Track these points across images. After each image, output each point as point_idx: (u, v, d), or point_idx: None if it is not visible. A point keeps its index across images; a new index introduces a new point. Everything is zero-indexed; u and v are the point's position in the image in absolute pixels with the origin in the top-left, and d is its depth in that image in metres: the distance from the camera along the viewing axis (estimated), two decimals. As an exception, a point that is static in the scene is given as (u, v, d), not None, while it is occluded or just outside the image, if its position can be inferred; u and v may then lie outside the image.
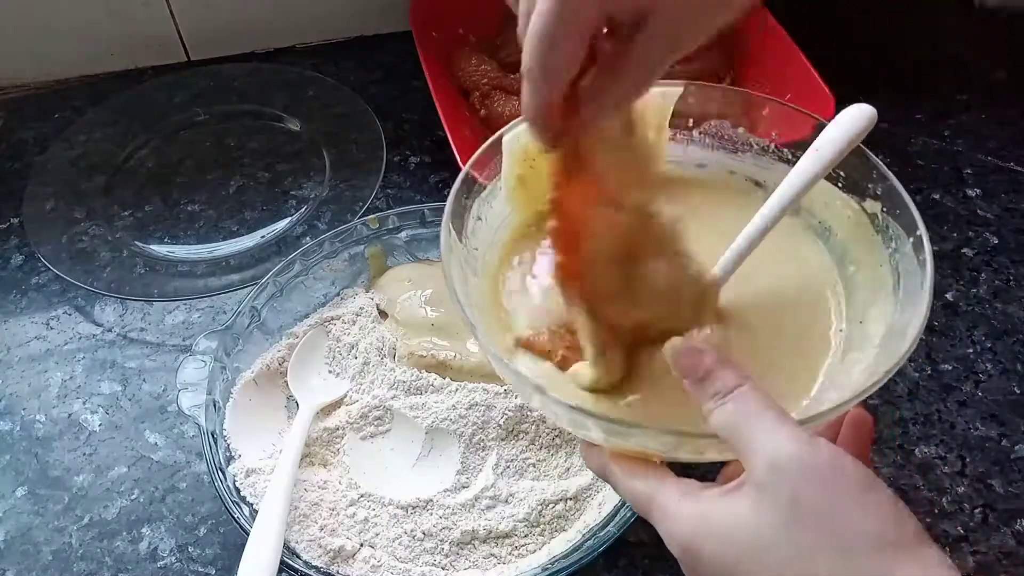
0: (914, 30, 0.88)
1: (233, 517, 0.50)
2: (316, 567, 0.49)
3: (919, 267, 0.40)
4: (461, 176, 0.44)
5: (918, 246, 0.41)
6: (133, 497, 0.56)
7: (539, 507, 0.52)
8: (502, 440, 0.55)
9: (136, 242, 0.71)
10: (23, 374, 0.63)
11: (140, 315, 0.66)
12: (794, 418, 0.34)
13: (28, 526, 0.55)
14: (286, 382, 0.58)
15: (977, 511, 0.54)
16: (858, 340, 0.42)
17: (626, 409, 0.40)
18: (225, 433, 0.54)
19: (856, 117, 0.42)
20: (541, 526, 0.52)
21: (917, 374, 0.61)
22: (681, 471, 0.37)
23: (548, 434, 0.55)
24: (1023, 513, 0.54)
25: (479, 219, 0.46)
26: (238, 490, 0.52)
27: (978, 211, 0.71)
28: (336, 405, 0.58)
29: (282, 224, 0.72)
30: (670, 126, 0.48)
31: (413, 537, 0.51)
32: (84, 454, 0.58)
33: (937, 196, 0.72)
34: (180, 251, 0.71)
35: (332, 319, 0.61)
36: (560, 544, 0.51)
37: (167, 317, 0.66)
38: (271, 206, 0.74)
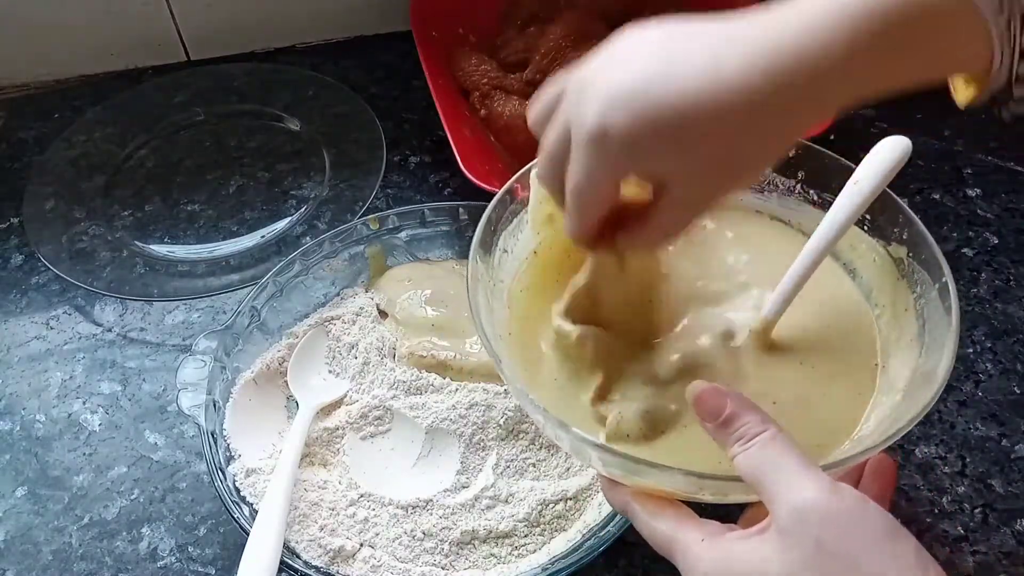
0: (914, 30, 0.88)
1: (233, 517, 0.50)
2: (316, 567, 0.49)
3: (944, 313, 0.40)
4: (490, 207, 0.45)
5: (944, 293, 0.41)
6: (133, 497, 0.56)
7: (539, 507, 0.52)
8: (502, 440, 0.55)
9: (136, 242, 0.71)
10: (23, 374, 0.63)
11: (140, 315, 0.66)
12: (817, 464, 0.34)
13: (28, 526, 0.55)
14: (286, 382, 0.58)
15: (977, 511, 0.54)
16: (882, 384, 0.42)
17: (649, 448, 0.41)
18: (225, 433, 0.54)
19: (893, 148, 0.42)
20: (541, 526, 0.52)
21: (917, 374, 0.61)
22: (700, 511, 0.38)
23: None
24: (1023, 513, 0.54)
25: (505, 251, 0.46)
26: (238, 490, 0.52)
27: (978, 211, 0.71)
28: (336, 405, 0.58)
29: (282, 224, 0.72)
30: None
31: (413, 537, 0.51)
32: (84, 454, 0.58)
33: (937, 196, 0.72)
34: (180, 251, 0.71)
35: (332, 319, 0.61)
36: (560, 544, 0.51)
37: (167, 317, 0.66)
38: (271, 206, 0.74)
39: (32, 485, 0.57)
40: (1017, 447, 0.57)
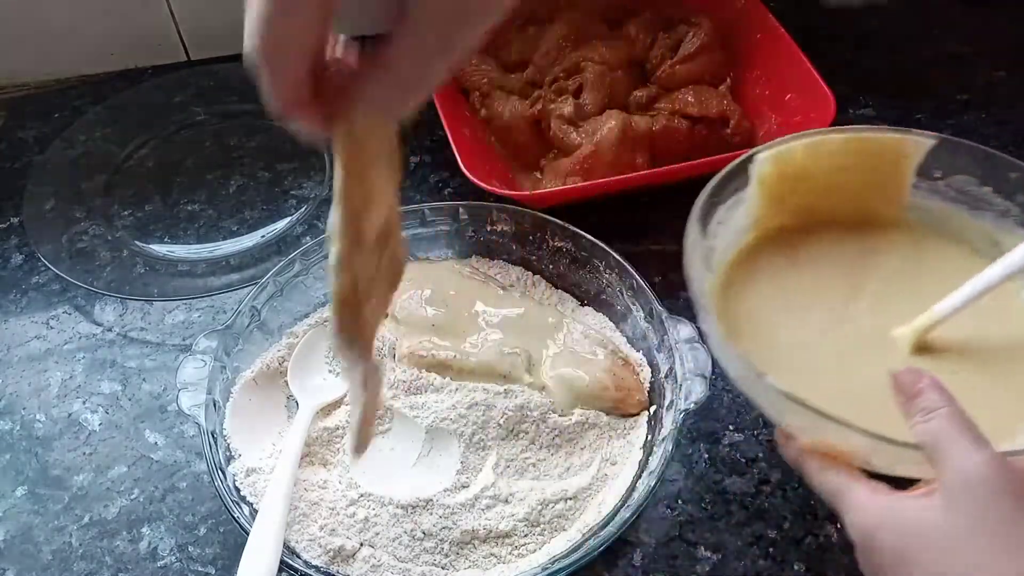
0: (914, 29, 0.88)
1: (233, 517, 0.50)
2: (316, 567, 0.49)
3: None
4: (714, 182, 0.49)
5: None
6: (133, 497, 0.56)
7: (539, 507, 0.52)
8: (502, 440, 0.55)
9: (136, 242, 0.71)
10: (23, 374, 0.63)
11: (140, 315, 0.66)
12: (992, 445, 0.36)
13: (28, 525, 0.55)
14: (286, 382, 0.58)
15: (977, 511, 0.54)
16: None
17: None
18: (225, 433, 0.54)
19: None
20: (541, 526, 0.52)
21: (917, 374, 0.61)
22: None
23: (548, 434, 0.55)
24: (1023, 513, 0.54)
25: (720, 223, 0.51)
26: (238, 490, 0.52)
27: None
28: (336, 405, 0.57)
29: (282, 224, 0.72)
30: (918, 174, 0.52)
31: (413, 537, 0.51)
32: (84, 454, 0.58)
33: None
34: (180, 251, 0.71)
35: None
36: (560, 544, 0.51)
37: (167, 317, 0.66)
38: (271, 206, 0.74)
39: (32, 485, 0.57)
40: (1017, 447, 0.57)
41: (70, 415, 0.60)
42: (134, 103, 0.82)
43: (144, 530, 0.54)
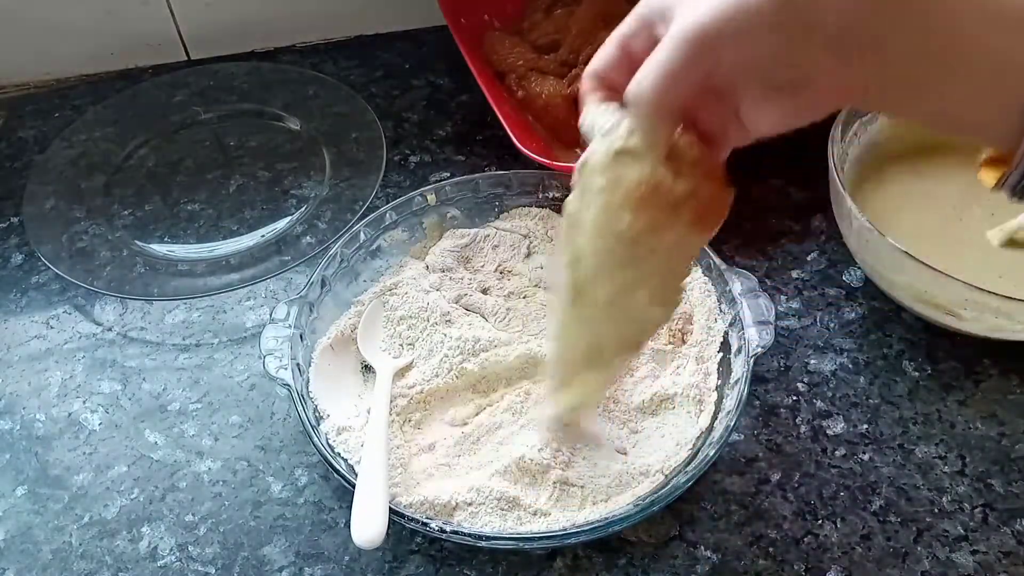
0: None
1: (334, 469, 0.51)
2: (416, 519, 0.49)
3: None
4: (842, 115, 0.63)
5: None
6: (133, 496, 0.56)
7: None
8: None
9: (136, 241, 0.71)
10: (23, 373, 0.63)
11: (140, 314, 0.66)
12: None
13: (28, 525, 0.55)
14: (357, 348, 0.60)
15: (977, 511, 0.54)
16: None
17: None
18: (312, 395, 0.55)
19: None
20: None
21: (917, 374, 0.61)
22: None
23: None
24: (1023, 513, 0.54)
25: (855, 134, 0.66)
26: (331, 447, 0.53)
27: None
28: (407, 368, 0.59)
29: (282, 223, 0.72)
30: None
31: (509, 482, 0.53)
32: (84, 453, 0.58)
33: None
34: (180, 250, 0.71)
35: (394, 287, 0.63)
36: (645, 485, 0.53)
37: (167, 317, 0.66)
38: (271, 205, 0.74)
39: (32, 484, 0.57)
40: (1017, 447, 0.57)
41: (70, 415, 0.60)
42: (134, 103, 0.82)
43: (144, 530, 0.54)
